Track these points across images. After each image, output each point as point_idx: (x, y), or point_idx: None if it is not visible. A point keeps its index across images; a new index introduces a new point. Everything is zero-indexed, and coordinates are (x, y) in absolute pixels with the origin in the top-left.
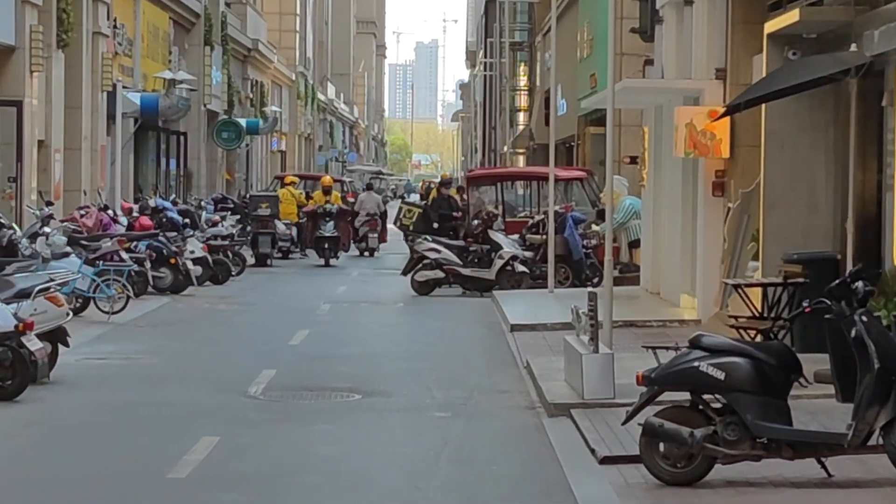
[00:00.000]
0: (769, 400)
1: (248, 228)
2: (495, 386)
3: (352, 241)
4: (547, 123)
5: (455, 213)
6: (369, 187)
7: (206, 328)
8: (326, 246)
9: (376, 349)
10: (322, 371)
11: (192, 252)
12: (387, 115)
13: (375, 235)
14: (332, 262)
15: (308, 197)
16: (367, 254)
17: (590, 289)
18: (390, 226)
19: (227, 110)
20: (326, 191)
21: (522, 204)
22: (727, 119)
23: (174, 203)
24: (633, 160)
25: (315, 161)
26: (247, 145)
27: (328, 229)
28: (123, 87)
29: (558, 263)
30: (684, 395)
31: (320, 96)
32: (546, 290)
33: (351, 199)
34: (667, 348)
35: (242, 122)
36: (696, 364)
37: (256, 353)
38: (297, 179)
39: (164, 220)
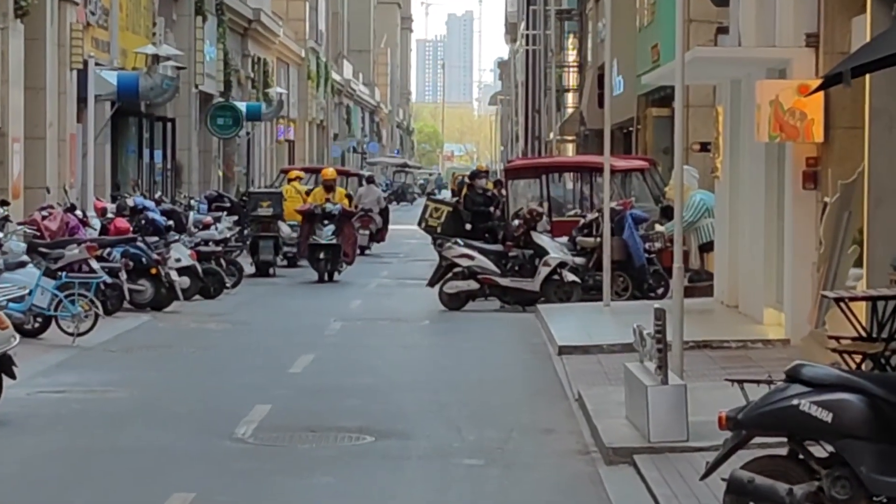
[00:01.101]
0: (889, 448)
1: (247, 232)
2: (540, 424)
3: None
4: (601, 105)
5: (492, 211)
6: (370, 181)
7: (190, 353)
8: (322, 256)
9: (394, 378)
10: (327, 406)
11: (178, 260)
12: (413, 98)
13: (367, 233)
14: (332, 276)
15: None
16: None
17: (655, 304)
18: (413, 227)
19: (223, 92)
20: (328, 186)
21: (572, 200)
22: (820, 95)
23: (158, 202)
24: (705, 147)
25: (329, 152)
26: (247, 134)
27: (325, 235)
28: (97, 65)
29: (616, 271)
30: (780, 442)
31: (335, 76)
32: (601, 304)
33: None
34: (757, 382)
35: (242, 106)
36: (795, 402)
37: (249, 383)
38: (303, 174)
39: (144, 222)
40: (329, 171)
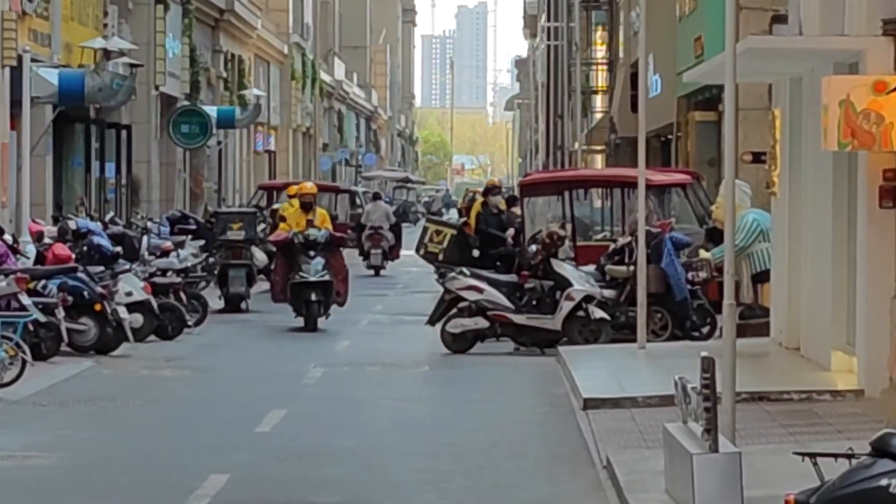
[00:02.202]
0: None
1: (215, 259)
2: (560, 499)
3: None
4: (634, 109)
5: (504, 234)
6: (376, 197)
7: (139, 407)
8: (314, 298)
9: (384, 440)
10: (299, 475)
11: (128, 294)
12: (418, 102)
13: (379, 252)
14: (317, 323)
15: (279, 218)
16: (371, 272)
17: (701, 351)
18: (410, 253)
19: (189, 95)
20: (306, 206)
21: (600, 221)
22: None
23: (108, 224)
24: (758, 158)
25: (317, 165)
26: (219, 143)
27: (315, 271)
28: (35, 61)
29: (653, 306)
30: None
31: (325, 77)
32: (635, 346)
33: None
34: (835, 456)
35: (211, 111)
36: (883, 483)
37: (206, 446)
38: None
39: (88, 248)
40: (307, 186)
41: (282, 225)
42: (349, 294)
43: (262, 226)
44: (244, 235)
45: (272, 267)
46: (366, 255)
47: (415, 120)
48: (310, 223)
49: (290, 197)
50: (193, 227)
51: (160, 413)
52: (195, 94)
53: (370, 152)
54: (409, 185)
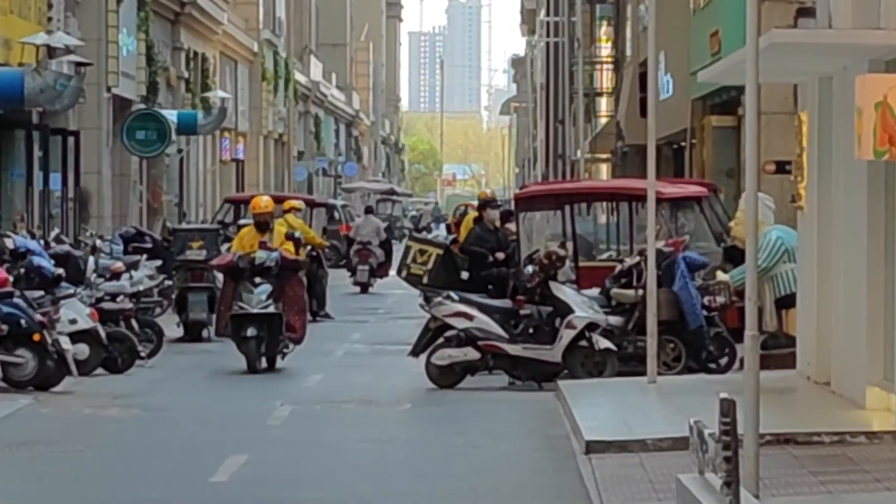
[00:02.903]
0: None
1: (173, 282)
2: None
3: (317, 312)
4: (643, 114)
5: (498, 255)
6: (368, 210)
7: (78, 453)
8: (252, 333)
9: (358, 490)
10: None
11: (73, 322)
12: (404, 106)
13: (366, 268)
14: (273, 363)
15: (224, 239)
16: (358, 289)
17: (721, 394)
18: (393, 275)
19: (145, 97)
20: (261, 224)
21: (605, 239)
22: None
23: (50, 243)
24: (782, 168)
25: (291, 175)
26: (180, 152)
27: (256, 301)
28: None
29: (665, 335)
30: None
31: (299, 77)
32: (645, 380)
33: (344, 233)
34: None
35: (171, 115)
36: None
37: (151, 500)
38: (301, 205)
39: (27, 270)
40: (261, 203)
41: (232, 247)
42: (306, 331)
43: (227, 244)
44: (205, 255)
45: (219, 298)
46: (353, 272)
47: (401, 126)
48: (262, 245)
49: (286, 212)
50: (149, 245)
51: (103, 460)
52: (153, 96)
53: (351, 161)
54: (395, 197)
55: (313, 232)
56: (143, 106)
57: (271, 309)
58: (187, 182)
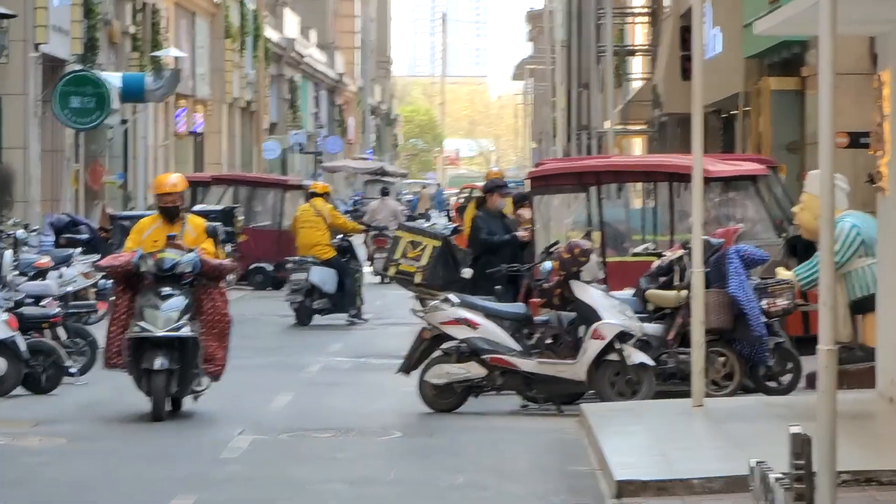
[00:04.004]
0: None
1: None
2: None
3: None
4: (686, 76)
5: (521, 234)
6: (384, 193)
7: None
8: (159, 364)
9: None
10: None
11: None
12: (398, 70)
13: (383, 256)
14: (179, 404)
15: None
16: (378, 279)
17: (792, 427)
18: (375, 281)
19: (82, 56)
20: (169, 213)
21: (640, 228)
22: None
23: None
24: (857, 141)
25: (261, 151)
26: (124, 123)
27: (161, 320)
28: None
29: (714, 346)
30: None
31: (271, 34)
32: (689, 403)
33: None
34: None
35: (114, 78)
36: None
37: None
38: (328, 188)
39: None
40: (166, 181)
41: (127, 243)
42: (228, 360)
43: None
44: None
45: (110, 316)
46: (370, 260)
47: (394, 93)
48: (171, 241)
49: (312, 195)
50: (86, 236)
51: (17, 502)
52: (91, 55)
53: (333, 135)
54: (386, 178)
55: (344, 217)
56: (78, 67)
57: (186, 331)
58: (134, 159)
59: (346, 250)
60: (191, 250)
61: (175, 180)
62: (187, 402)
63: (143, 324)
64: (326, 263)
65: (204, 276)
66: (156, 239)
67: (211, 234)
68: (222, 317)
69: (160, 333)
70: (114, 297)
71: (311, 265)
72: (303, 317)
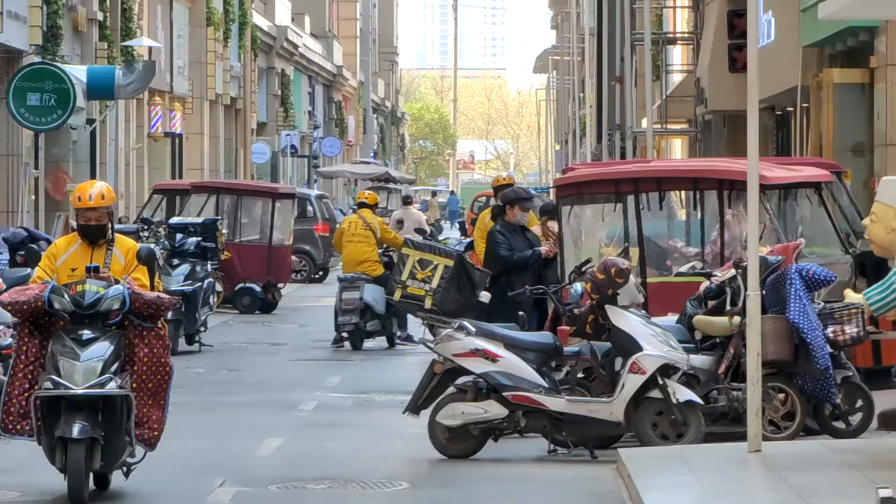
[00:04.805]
0: None
1: None
2: None
3: (394, 335)
4: (733, 67)
5: (543, 249)
6: (406, 202)
7: None
8: (73, 434)
9: None
10: None
11: None
12: (405, 63)
13: None
14: (106, 481)
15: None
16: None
17: (882, 490)
18: None
19: (42, 46)
20: (92, 233)
21: (687, 242)
22: None
23: None
24: None
25: (248, 155)
26: (91, 123)
27: (81, 374)
28: None
29: (772, 380)
30: None
31: (260, 22)
32: (744, 447)
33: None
34: None
35: (79, 72)
36: None
37: None
38: (376, 197)
39: None
40: (89, 190)
41: (37, 271)
42: (165, 422)
43: (160, 253)
44: None
45: (12, 365)
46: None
47: (399, 88)
48: (91, 272)
49: (359, 206)
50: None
51: None
52: (53, 45)
53: (331, 136)
54: (391, 185)
55: (394, 231)
56: (37, 59)
57: (113, 387)
58: (102, 166)
59: (388, 266)
60: (119, 281)
61: (101, 190)
62: (116, 478)
63: (56, 378)
64: (375, 281)
65: (136, 314)
66: (74, 266)
67: (145, 259)
68: (160, 367)
69: (79, 391)
70: (17, 342)
71: (363, 282)
72: (356, 340)
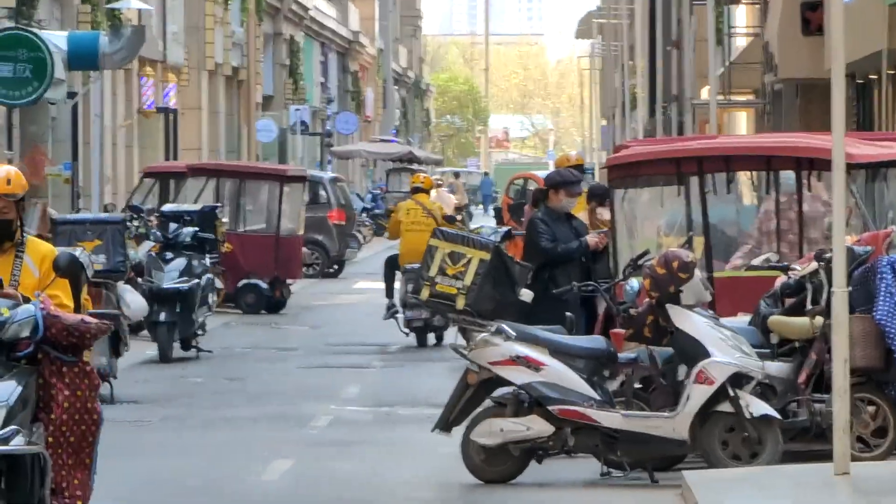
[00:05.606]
0: None
1: None
2: None
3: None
4: (807, 30)
5: (590, 239)
6: (437, 185)
7: None
8: None
9: None
10: None
11: None
12: (429, 28)
13: None
14: None
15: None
16: None
17: None
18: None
19: (16, 10)
20: None
21: (757, 233)
22: None
23: None
24: None
25: (252, 132)
26: (73, 96)
27: None
28: None
29: (861, 391)
30: None
31: None
32: (829, 468)
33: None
34: None
35: (58, 39)
36: None
37: None
38: (432, 181)
39: None
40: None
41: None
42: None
43: (149, 245)
44: (104, 262)
45: None
46: None
47: (424, 56)
48: None
49: (415, 192)
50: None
51: None
52: (28, 9)
53: (347, 111)
54: (415, 166)
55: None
56: (9, 24)
57: (18, 443)
58: (86, 145)
59: None
60: (30, 300)
61: (5, 174)
62: None
63: None
64: None
65: (53, 343)
66: None
67: (65, 269)
68: (85, 414)
69: None
70: None
71: None
72: (423, 337)
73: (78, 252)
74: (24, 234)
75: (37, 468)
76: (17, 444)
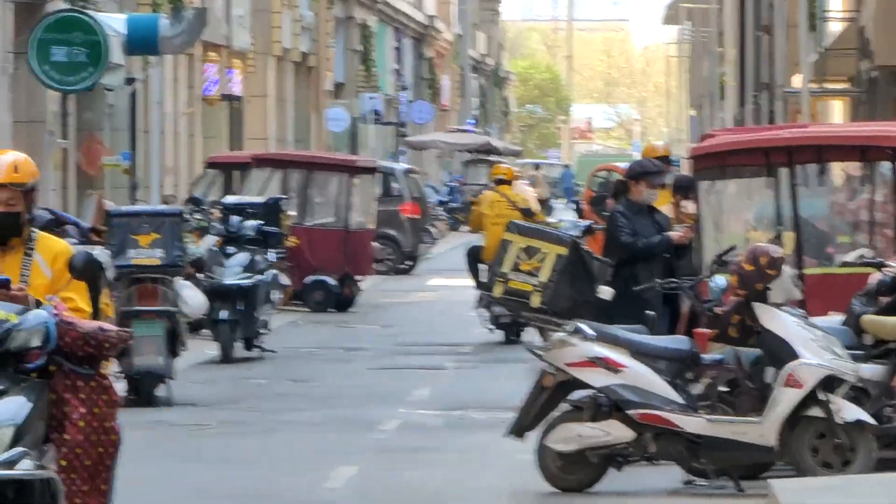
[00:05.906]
0: None
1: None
2: None
3: None
4: None
5: (674, 234)
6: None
7: None
8: None
9: None
10: None
11: None
12: (508, 14)
13: None
14: None
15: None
16: None
17: None
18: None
19: None
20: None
21: (849, 228)
22: None
23: None
24: None
25: (323, 121)
26: (131, 83)
27: None
28: None
29: None
30: None
31: None
32: None
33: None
34: None
35: (114, 21)
36: None
37: None
38: (513, 171)
39: None
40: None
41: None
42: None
43: (213, 239)
44: (161, 257)
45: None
46: None
47: (504, 43)
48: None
49: (498, 183)
50: (74, 240)
51: None
52: None
53: (421, 100)
54: (494, 158)
55: (538, 210)
56: (65, 6)
57: (27, 467)
58: (145, 134)
59: None
60: (42, 304)
61: (15, 161)
62: None
63: None
64: None
65: (67, 354)
66: None
67: (81, 270)
68: (103, 434)
69: None
70: None
71: None
72: (512, 333)
73: (96, 251)
74: (33, 231)
75: (47, 495)
76: (26, 468)
